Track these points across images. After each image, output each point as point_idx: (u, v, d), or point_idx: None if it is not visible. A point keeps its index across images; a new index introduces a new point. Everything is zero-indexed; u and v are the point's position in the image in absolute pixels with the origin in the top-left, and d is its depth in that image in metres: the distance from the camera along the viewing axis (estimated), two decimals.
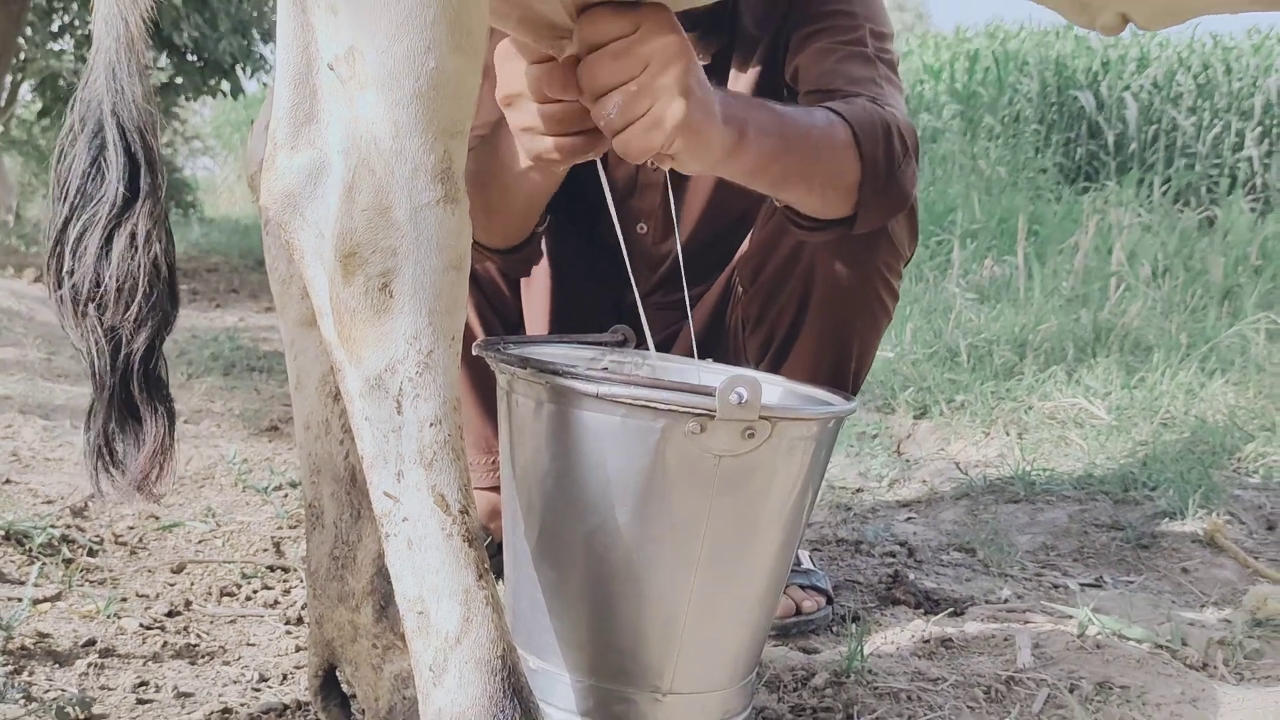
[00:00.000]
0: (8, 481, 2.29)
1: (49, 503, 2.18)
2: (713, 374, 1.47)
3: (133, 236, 1.13)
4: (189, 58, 10.04)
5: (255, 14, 9.77)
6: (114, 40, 1.14)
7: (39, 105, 12.09)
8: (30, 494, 2.23)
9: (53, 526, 1.98)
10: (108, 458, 1.15)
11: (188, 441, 2.77)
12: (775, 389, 1.42)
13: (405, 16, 0.98)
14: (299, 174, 1.09)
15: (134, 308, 1.13)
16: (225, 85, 10.59)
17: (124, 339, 1.13)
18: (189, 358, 4.12)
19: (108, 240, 1.12)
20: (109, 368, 1.13)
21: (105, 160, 1.14)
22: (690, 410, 1.13)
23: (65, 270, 1.12)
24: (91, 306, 1.11)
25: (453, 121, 1.01)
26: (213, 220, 12.87)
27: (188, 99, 11.57)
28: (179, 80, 10.42)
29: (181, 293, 4.96)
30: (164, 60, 10.10)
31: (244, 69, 10.64)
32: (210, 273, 7.99)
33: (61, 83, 11.27)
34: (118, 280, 1.12)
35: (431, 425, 1.01)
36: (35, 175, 14.48)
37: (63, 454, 2.57)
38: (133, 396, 1.15)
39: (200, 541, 2.08)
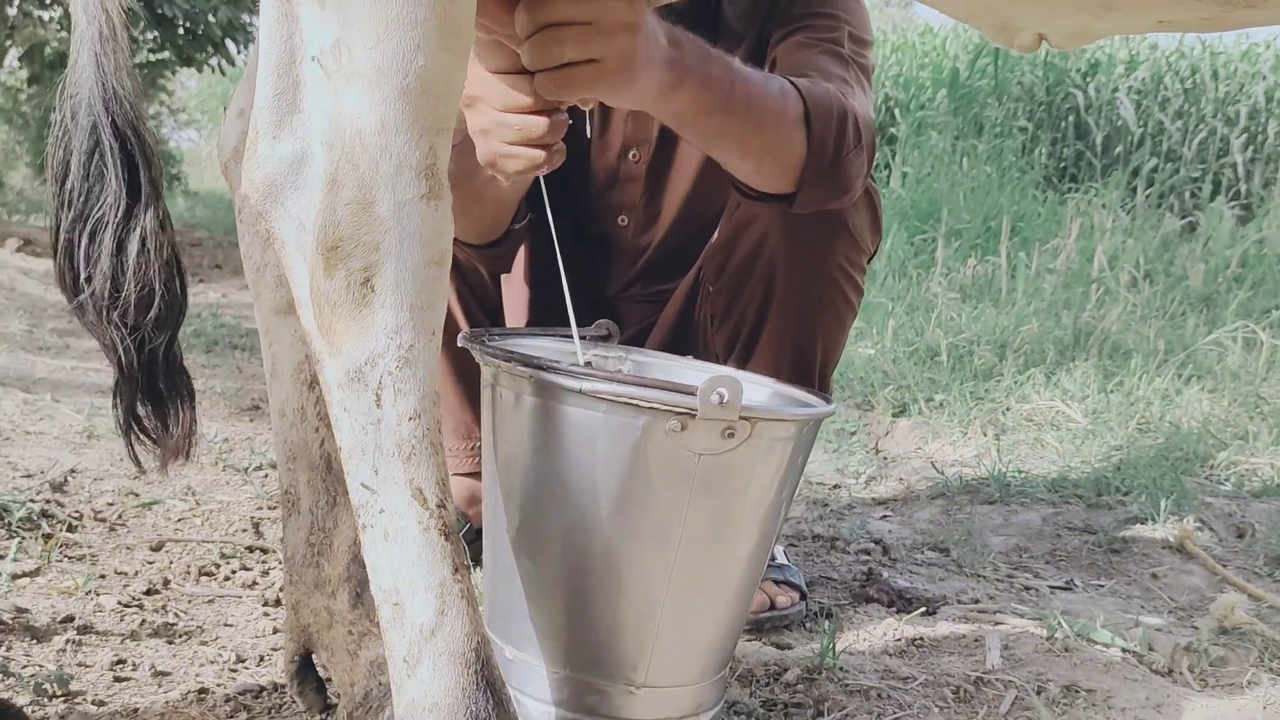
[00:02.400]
0: None
1: (28, 476, 2.18)
2: (695, 372, 1.48)
3: (143, 241, 1.14)
4: (178, 30, 9.96)
5: None
6: (96, 31, 1.14)
7: (26, 73, 12.00)
8: (10, 467, 2.23)
9: (32, 501, 1.98)
10: (136, 429, 1.20)
11: None
12: (758, 389, 1.43)
13: (396, 13, 0.99)
14: (281, 163, 1.09)
15: (154, 309, 1.16)
16: (214, 59, 10.52)
17: (146, 337, 1.17)
18: None
19: (119, 246, 1.14)
20: (135, 362, 1.17)
21: (104, 162, 1.15)
22: (672, 409, 1.14)
23: (82, 278, 1.14)
24: (114, 312, 1.14)
25: (439, 119, 1.02)
26: (197, 194, 12.81)
27: (173, 73, 11.50)
28: (166, 54, 10.36)
29: None
30: (152, 34, 10.03)
31: (235, 42, 10.58)
32: (194, 247, 7.97)
33: (49, 51, 11.18)
34: (137, 286, 1.14)
35: (410, 419, 1.02)
36: (19, 144, 14.38)
37: (43, 427, 2.57)
38: (158, 385, 1.19)
39: (179, 520, 2.08)
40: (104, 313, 1.16)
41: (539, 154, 1.33)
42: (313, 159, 1.06)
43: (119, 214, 1.14)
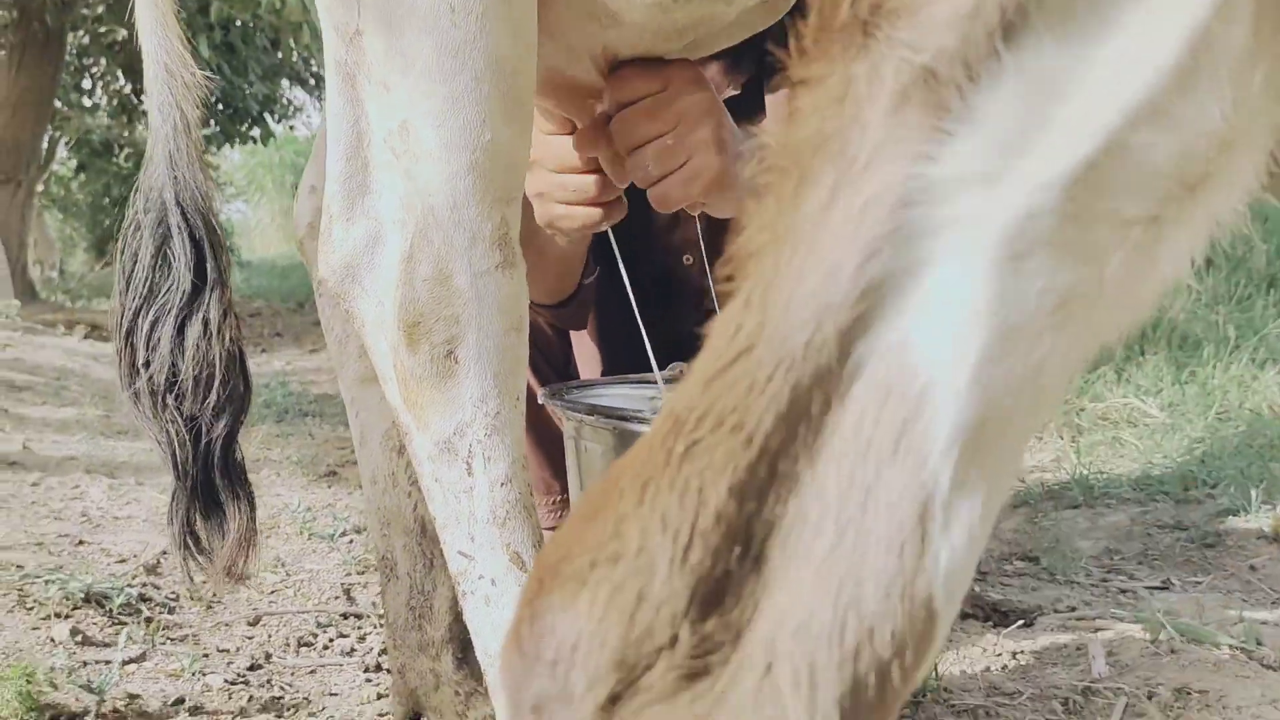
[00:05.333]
0: (81, 543, 2.34)
1: (122, 561, 2.23)
2: None
3: (205, 324, 1.16)
4: (219, 107, 10.20)
5: (282, 61, 9.91)
6: (170, 128, 1.18)
7: (74, 162, 12.33)
8: (104, 554, 2.27)
9: (129, 585, 2.02)
10: (193, 547, 1.19)
11: None
12: None
13: (461, 91, 1.01)
14: (356, 245, 1.11)
15: (212, 396, 1.16)
16: (255, 132, 10.75)
17: (204, 428, 1.17)
18: None
19: (180, 330, 1.15)
20: (190, 457, 1.17)
21: (171, 249, 1.18)
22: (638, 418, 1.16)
23: (140, 363, 1.15)
24: (170, 398, 1.15)
25: (508, 189, 1.04)
26: (250, 263, 13.04)
27: (218, 148, 11.76)
28: (209, 130, 10.59)
29: None
30: None
31: (272, 115, 10.81)
32: (254, 317, 8.10)
33: (95, 139, 11.50)
34: (194, 370, 1.15)
35: (502, 485, 1.04)
36: (75, 231, 14.75)
37: (130, 511, 2.63)
38: (214, 485, 1.18)
39: (273, 592, 2.12)
40: (159, 398, 1.16)
41: (595, 212, 1.35)
42: (386, 239, 1.09)
43: (183, 300, 1.16)
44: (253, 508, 1.21)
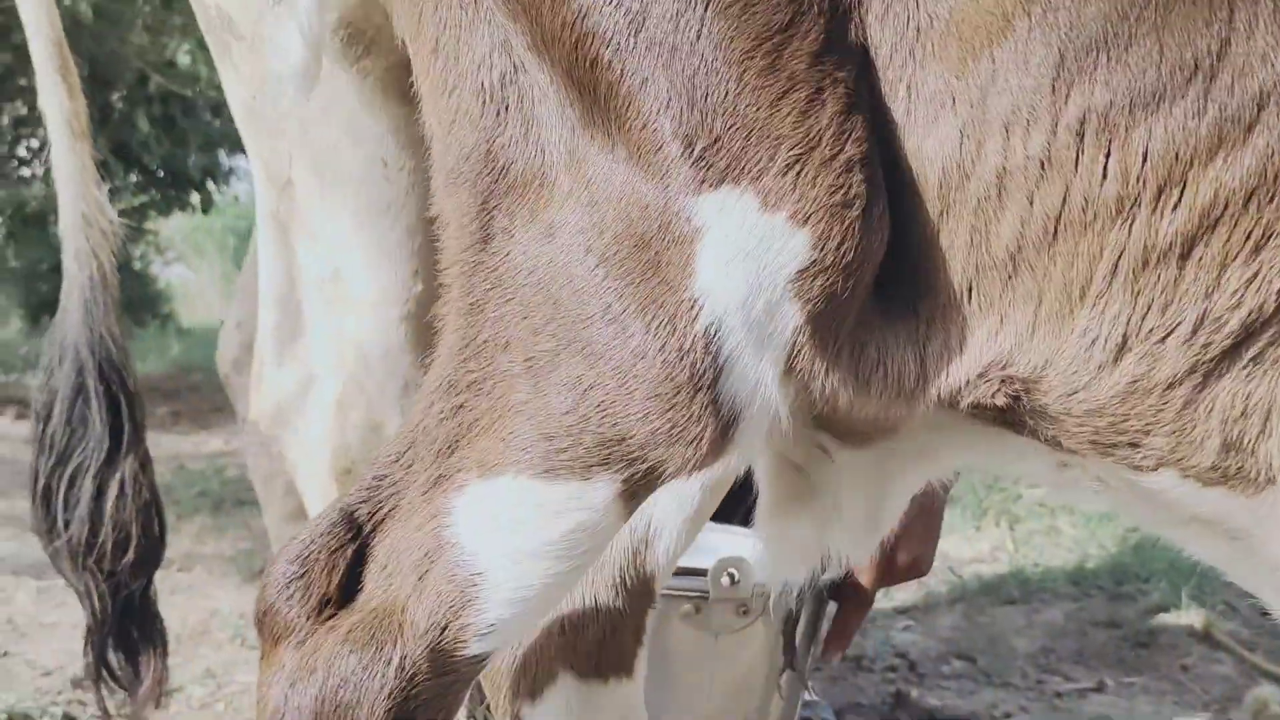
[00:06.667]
0: (5, 654, 2.29)
1: (47, 674, 2.17)
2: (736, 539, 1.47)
3: (122, 485, 1.15)
4: (159, 174, 10.11)
5: (222, 131, 9.87)
6: (87, 277, 1.17)
7: (4, 229, 12.14)
8: (28, 666, 2.22)
9: (54, 704, 1.97)
10: (110, 681, 1.19)
11: (181, 593, 2.76)
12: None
13: (392, 244, 1.02)
14: (287, 389, 1.11)
15: (130, 553, 1.16)
16: (195, 199, 10.65)
17: (121, 583, 1.17)
18: (175, 495, 4.10)
19: (99, 491, 1.15)
20: (109, 609, 1.16)
21: (88, 406, 1.17)
22: (684, 594, 1.15)
23: (60, 523, 1.15)
24: (89, 559, 1.14)
25: None
26: (190, 330, 12.84)
27: (158, 214, 11.63)
28: (148, 197, 10.49)
29: (164, 415, 4.87)
30: (132, 178, 10.18)
31: (214, 181, 10.74)
32: (192, 392, 7.95)
33: (30, 208, 11.32)
34: (114, 531, 1.15)
35: None
36: (9, 297, 14.49)
37: (57, 617, 2.56)
38: (130, 633, 1.18)
39: (202, 707, 2.07)
40: (79, 559, 1.16)
41: None
42: (319, 383, 1.09)
43: (101, 458, 1.16)
44: (165, 654, 1.22)
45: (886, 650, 2.34)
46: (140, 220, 12.03)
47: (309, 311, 1.10)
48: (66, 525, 1.15)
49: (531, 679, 1.00)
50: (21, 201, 10.83)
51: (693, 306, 0.79)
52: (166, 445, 5.46)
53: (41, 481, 1.17)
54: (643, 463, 0.81)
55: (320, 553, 0.83)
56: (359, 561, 0.84)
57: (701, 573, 1.15)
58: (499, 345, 0.84)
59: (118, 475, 1.16)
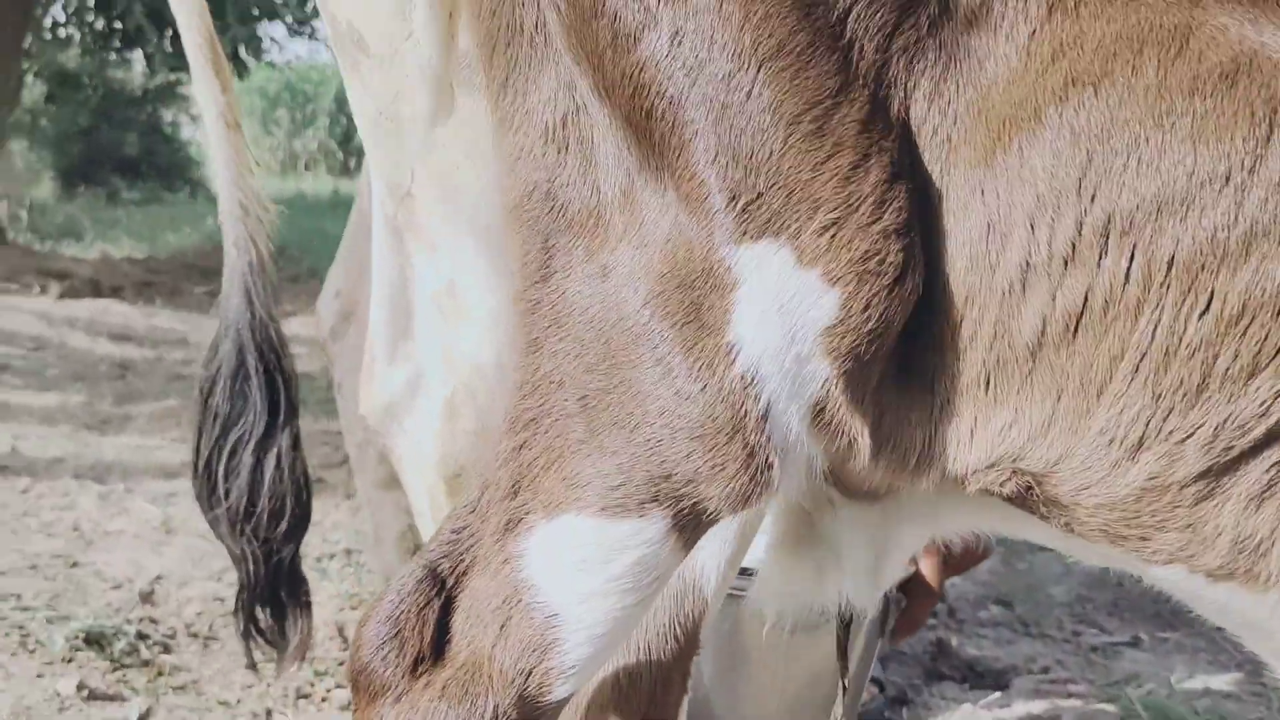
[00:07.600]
0: (75, 565, 2.37)
1: (117, 588, 2.26)
2: None
3: (278, 458, 1.22)
4: None
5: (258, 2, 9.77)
6: (246, 264, 1.23)
7: (45, 91, 12.09)
8: (97, 578, 2.30)
9: (127, 623, 2.05)
10: (257, 637, 1.29)
11: None
12: None
13: (508, 267, 1.04)
14: (397, 388, 1.15)
15: (284, 523, 1.24)
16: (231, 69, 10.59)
17: (274, 549, 1.25)
18: None
19: (257, 464, 1.22)
20: (262, 573, 1.25)
21: (248, 384, 1.23)
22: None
23: (220, 491, 1.23)
24: (247, 526, 1.22)
25: None
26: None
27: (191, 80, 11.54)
28: (183, 63, 10.43)
29: (201, 295, 4.91)
30: (168, 47, 10.11)
31: (249, 52, 10.66)
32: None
33: (67, 68, 11.27)
34: (270, 502, 1.22)
35: None
36: (41, 159, 14.47)
37: (121, 524, 2.65)
38: (279, 595, 1.27)
39: None
40: (238, 526, 1.25)
41: None
42: (427, 383, 1.13)
43: (260, 433, 1.24)
44: (310, 616, 1.31)
45: None
46: (176, 86, 12.02)
47: (421, 317, 1.13)
48: (227, 495, 1.23)
49: None
50: (61, 65, 10.80)
51: (730, 351, 0.83)
52: (208, 330, 5.53)
53: (203, 454, 1.25)
54: (690, 499, 0.85)
55: (410, 611, 0.87)
56: (446, 613, 0.88)
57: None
58: (555, 383, 0.87)
59: (274, 449, 1.24)
